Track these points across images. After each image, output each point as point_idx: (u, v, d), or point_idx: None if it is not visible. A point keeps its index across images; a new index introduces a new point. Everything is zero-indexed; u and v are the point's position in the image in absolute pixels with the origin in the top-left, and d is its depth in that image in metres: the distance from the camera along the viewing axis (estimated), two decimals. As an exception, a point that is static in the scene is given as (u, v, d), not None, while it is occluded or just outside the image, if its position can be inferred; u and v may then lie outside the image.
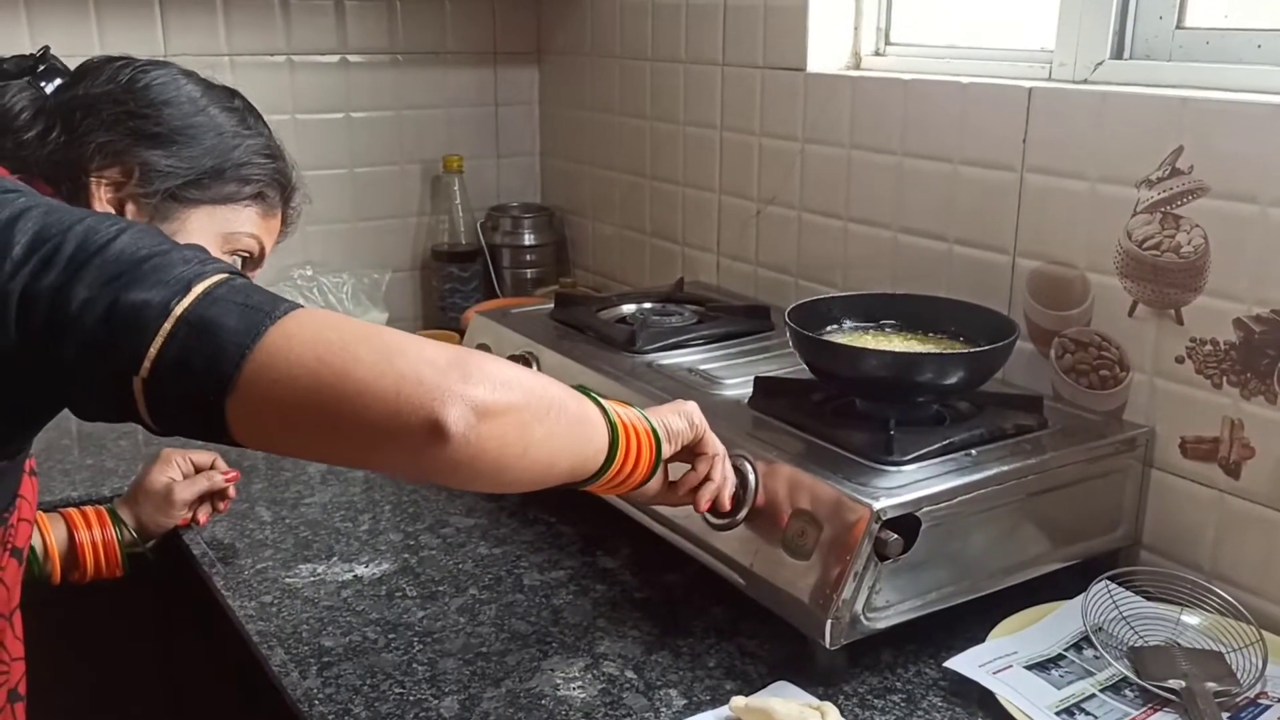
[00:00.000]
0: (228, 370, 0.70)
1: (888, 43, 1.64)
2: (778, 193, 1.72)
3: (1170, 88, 1.24)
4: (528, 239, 2.21)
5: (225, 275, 0.75)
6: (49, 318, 0.73)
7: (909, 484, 1.09)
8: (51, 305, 0.73)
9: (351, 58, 2.06)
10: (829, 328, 1.34)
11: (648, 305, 1.70)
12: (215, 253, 0.98)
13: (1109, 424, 1.26)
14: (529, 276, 2.22)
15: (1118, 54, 1.31)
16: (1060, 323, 1.32)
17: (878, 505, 1.04)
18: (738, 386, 1.36)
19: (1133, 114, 1.21)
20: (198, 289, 0.72)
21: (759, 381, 1.31)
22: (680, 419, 1.03)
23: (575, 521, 1.41)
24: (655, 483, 1.04)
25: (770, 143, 1.72)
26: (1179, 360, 1.20)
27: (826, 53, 1.64)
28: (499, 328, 1.61)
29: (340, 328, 0.74)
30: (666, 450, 1.01)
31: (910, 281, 1.51)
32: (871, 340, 1.32)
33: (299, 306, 0.75)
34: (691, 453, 1.06)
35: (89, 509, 1.31)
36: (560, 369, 1.46)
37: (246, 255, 1.08)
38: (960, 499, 1.09)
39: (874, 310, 1.36)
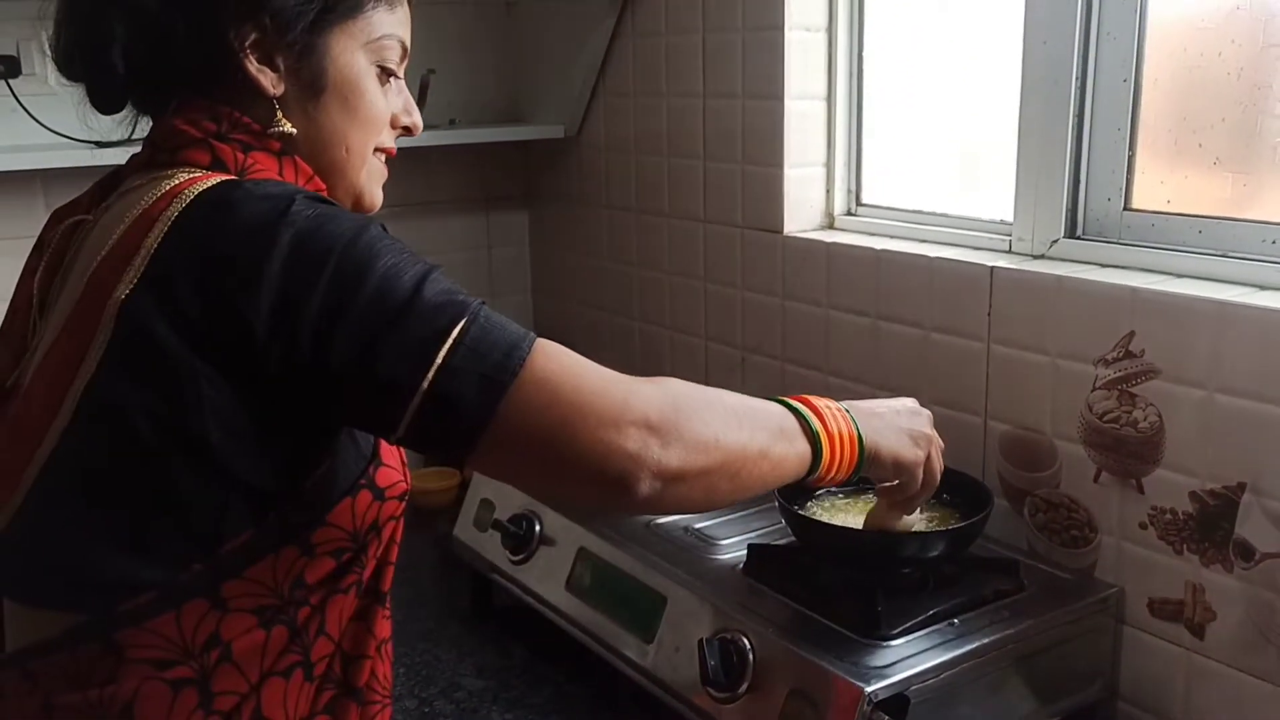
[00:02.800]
0: (463, 441, 0.83)
1: (859, 203, 1.75)
2: (761, 343, 1.81)
3: (1121, 269, 1.34)
4: (521, 374, 2.29)
5: (461, 330, 0.82)
6: (321, 369, 0.82)
7: (897, 661, 1.16)
8: (318, 356, 0.81)
9: (349, 213, 2.15)
10: (814, 496, 1.43)
11: (641, 453, 1.78)
12: (366, 69, 0.97)
13: (1082, 584, 1.34)
14: (524, 410, 2.30)
15: (1071, 232, 1.42)
16: (1032, 483, 1.41)
17: (869, 689, 1.12)
18: (732, 549, 1.44)
19: (1087, 298, 1.31)
20: (438, 359, 0.81)
21: (752, 549, 1.40)
22: (912, 449, 1.08)
23: (581, 680, 1.48)
24: None
25: (751, 296, 1.82)
26: (1142, 526, 1.29)
27: (801, 214, 1.74)
28: (498, 483, 1.70)
29: (565, 393, 0.83)
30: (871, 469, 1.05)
31: (890, 436, 1.59)
32: (856, 506, 1.40)
33: (529, 361, 0.83)
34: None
35: None
36: (563, 531, 1.54)
37: (395, 61, 1.01)
38: (946, 674, 1.17)
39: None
